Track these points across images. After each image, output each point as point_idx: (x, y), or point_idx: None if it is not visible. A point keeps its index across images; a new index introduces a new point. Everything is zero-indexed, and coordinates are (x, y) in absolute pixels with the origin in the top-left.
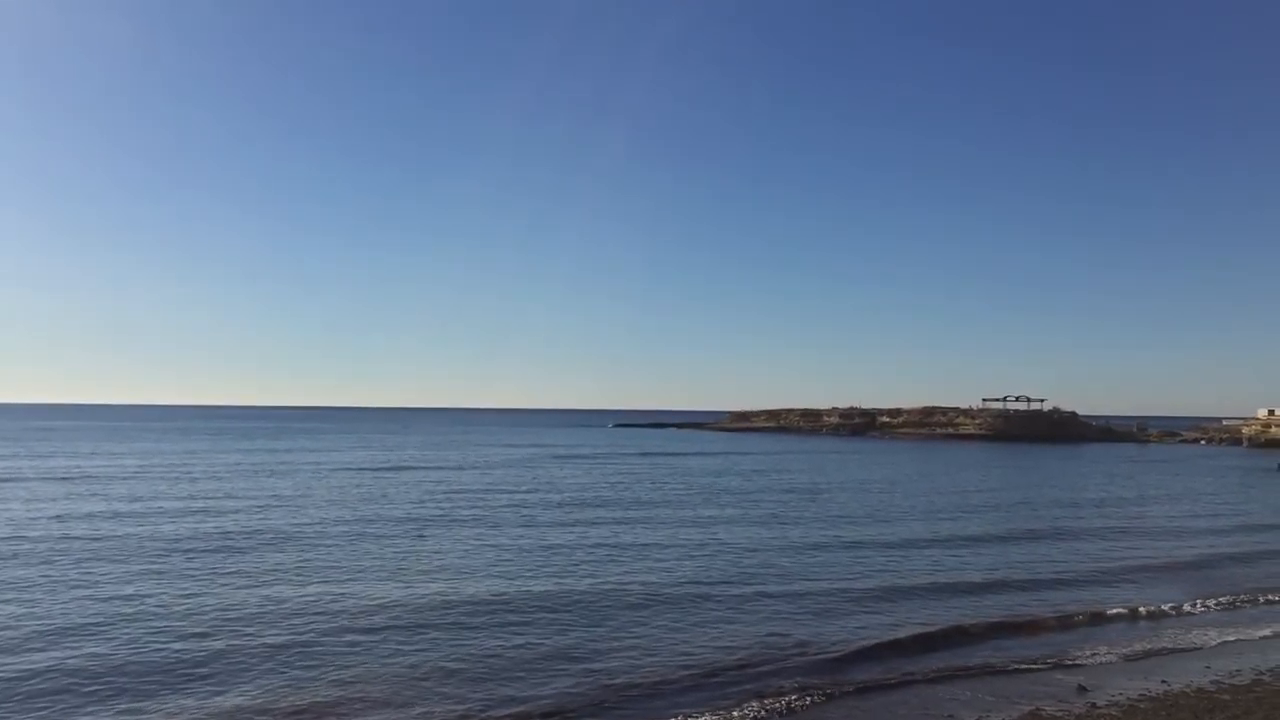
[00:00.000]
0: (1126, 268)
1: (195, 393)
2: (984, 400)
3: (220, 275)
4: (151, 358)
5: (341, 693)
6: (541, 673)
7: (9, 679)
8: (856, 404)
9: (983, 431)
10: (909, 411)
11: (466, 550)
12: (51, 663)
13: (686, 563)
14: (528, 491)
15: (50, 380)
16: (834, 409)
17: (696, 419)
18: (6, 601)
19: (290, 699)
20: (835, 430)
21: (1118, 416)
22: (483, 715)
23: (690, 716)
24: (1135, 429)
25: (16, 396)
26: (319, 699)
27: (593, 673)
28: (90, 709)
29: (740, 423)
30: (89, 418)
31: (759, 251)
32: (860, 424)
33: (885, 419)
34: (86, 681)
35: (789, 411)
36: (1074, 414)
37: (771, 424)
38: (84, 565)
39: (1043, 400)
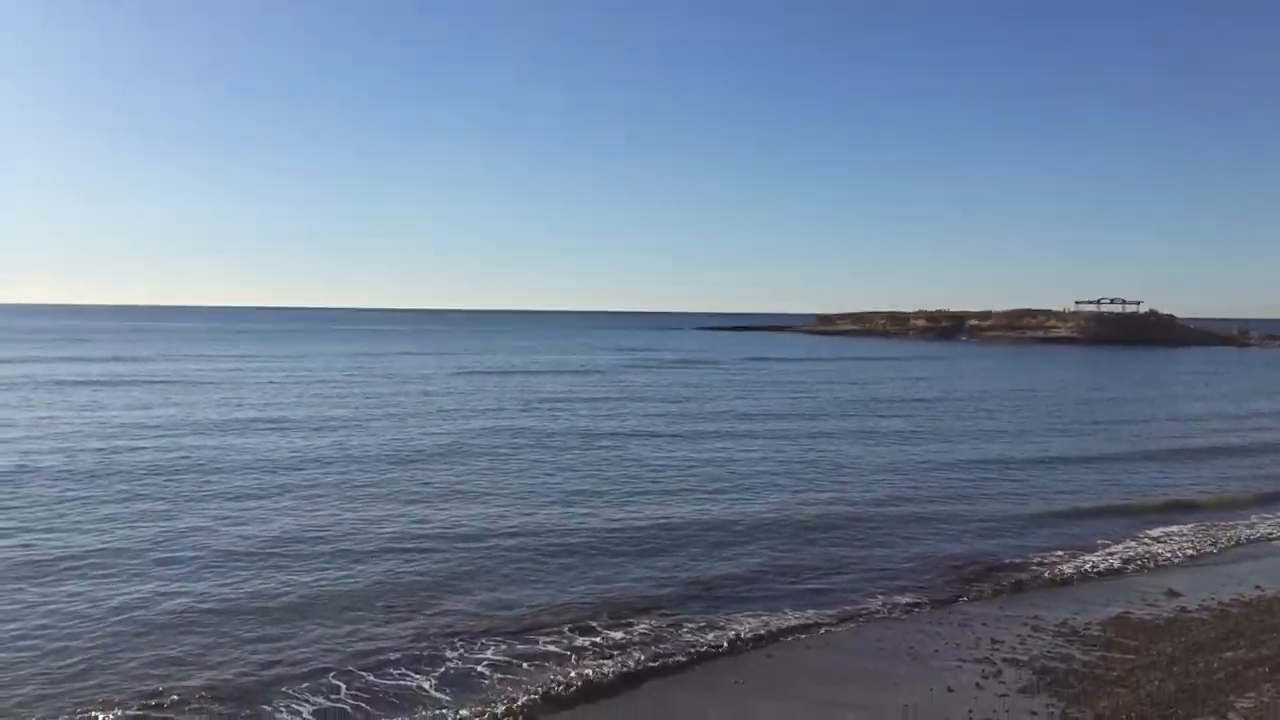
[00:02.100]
0: (1226, 166)
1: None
2: (1077, 303)
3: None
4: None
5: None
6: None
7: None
8: (944, 307)
9: (1075, 335)
10: (998, 314)
11: (652, 466)
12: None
13: (858, 482)
14: (663, 401)
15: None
16: (920, 312)
17: (774, 322)
18: (171, 515)
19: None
20: (922, 334)
21: (1217, 319)
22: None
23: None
24: (1236, 332)
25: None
26: (477, 600)
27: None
28: (316, 623)
29: (824, 326)
30: (151, 319)
31: (841, 153)
32: (948, 327)
33: (974, 322)
34: (313, 603)
35: (874, 315)
36: (1171, 317)
37: (856, 328)
38: (274, 476)
39: (1138, 303)
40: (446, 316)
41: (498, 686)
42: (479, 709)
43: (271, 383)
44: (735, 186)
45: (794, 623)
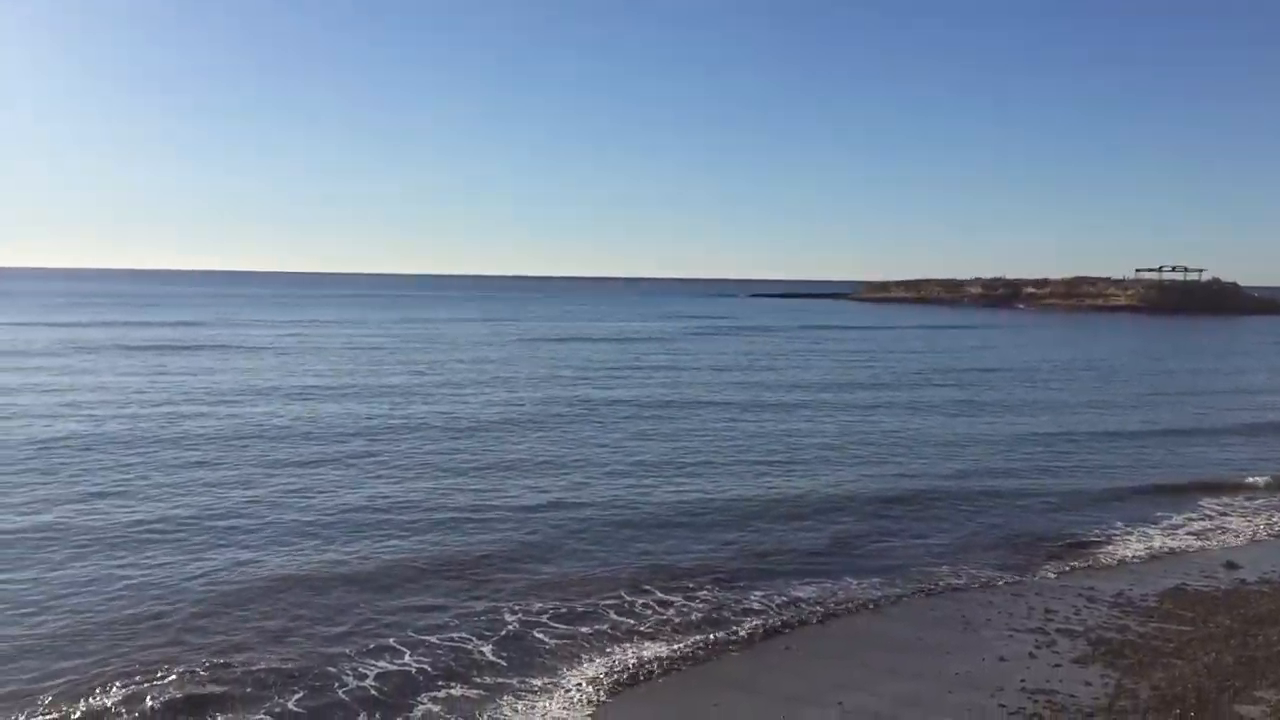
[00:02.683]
0: None
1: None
2: (1137, 271)
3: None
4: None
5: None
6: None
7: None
8: (1001, 274)
9: (1135, 303)
10: (1055, 282)
11: (713, 437)
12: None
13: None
14: (721, 370)
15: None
16: (976, 279)
17: (823, 290)
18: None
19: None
20: (976, 302)
21: None
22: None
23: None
24: None
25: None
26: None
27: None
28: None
29: (877, 293)
30: (228, 285)
31: (895, 118)
32: (1003, 295)
33: (1031, 290)
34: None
35: (928, 282)
36: (1235, 285)
37: (910, 295)
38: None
39: (1201, 270)
40: (493, 283)
41: (558, 655)
42: (540, 678)
43: (333, 349)
44: (788, 153)
45: (852, 594)
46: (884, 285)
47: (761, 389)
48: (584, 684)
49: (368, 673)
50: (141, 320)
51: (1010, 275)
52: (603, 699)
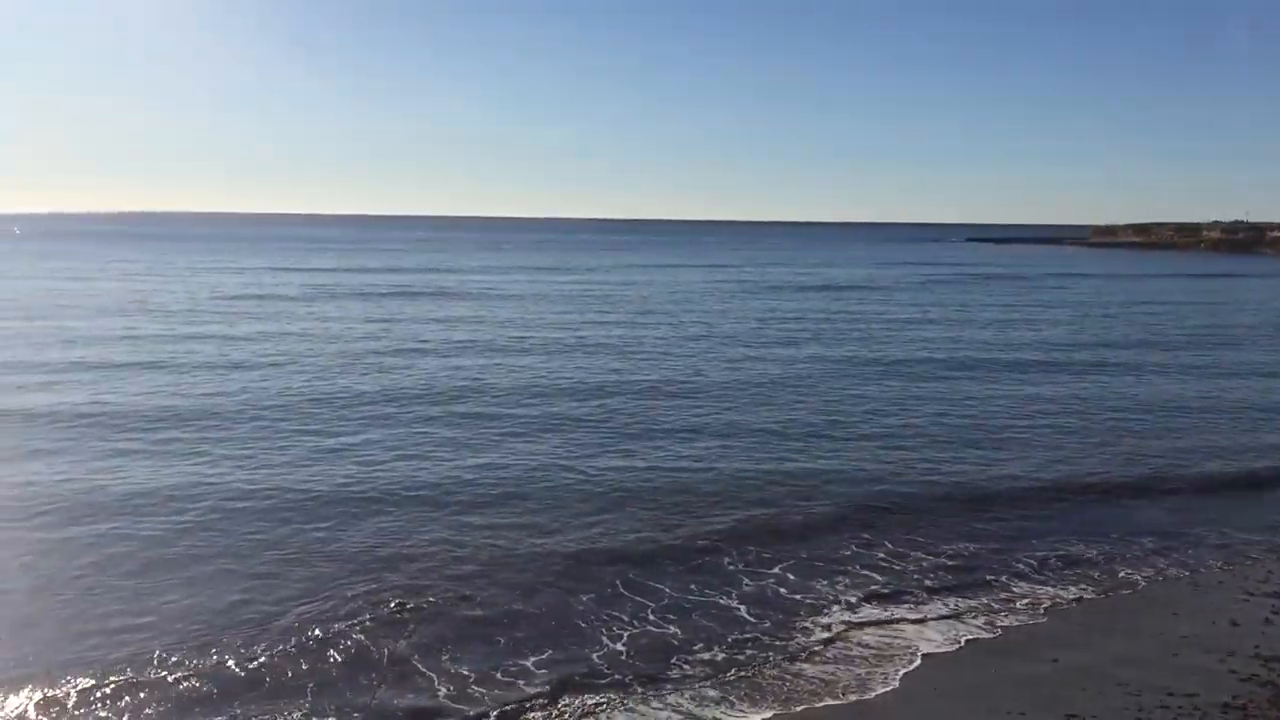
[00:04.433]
0: None
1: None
2: None
3: None
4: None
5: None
6: None
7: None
8: (1243, 216)
9: None
10: None
11: (975, 407)
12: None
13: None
14: (1006, 324)
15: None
16: (1214, 223)
17: (1042, 234)
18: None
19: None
20: (1214, 247)
21: None
22: None
23: None
24: None
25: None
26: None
27: None
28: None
29: (1104, 238)
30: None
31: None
32: (1244, 240)
33: (1277, 234)
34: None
35: (1160, 226)
36: None
37: (1139, 240)
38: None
39: None
40: (665, 227)
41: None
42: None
43: (560, 296)
44: (1011, 89)
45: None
46: (1110, 229)
47: (1046, 347)
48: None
49: (621, 634)
50: (387, 266)
51: (1253, 218)
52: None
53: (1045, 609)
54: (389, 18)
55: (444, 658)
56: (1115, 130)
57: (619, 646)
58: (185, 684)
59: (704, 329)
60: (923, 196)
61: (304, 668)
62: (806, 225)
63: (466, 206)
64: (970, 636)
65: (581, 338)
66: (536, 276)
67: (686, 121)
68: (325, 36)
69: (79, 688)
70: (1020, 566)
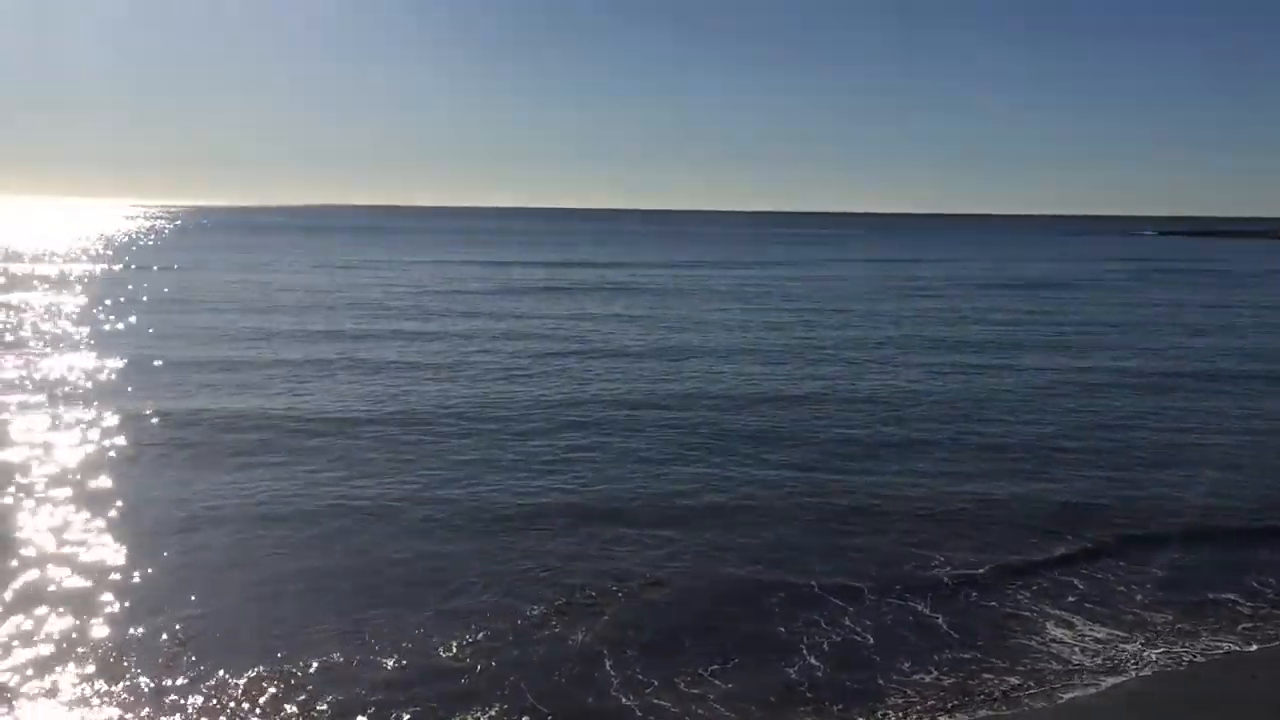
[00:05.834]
0: None
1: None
2: None
3: None
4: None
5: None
6: None
7: None
8: None
9: None
10: None
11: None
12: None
13: None
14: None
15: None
16: None
17: (1233, 226)
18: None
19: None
20: None
21: None
22: None
23: None
24: None
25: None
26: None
27: None
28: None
29: None
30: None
31: None
32: None
33: None
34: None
35: None
36: None
37: None
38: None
39: None
40: (830, 220)
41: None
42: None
43: (723, 290)
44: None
45: None
46: None
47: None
48: None
49: (822, 642)
50: (558, 260)
51: None
52: None
53: None
54: (573, 19)
55: (632, 670)
56: None
57: (813, 660)
58: (384, 674)
59: (943, 334)
60: (1103, 193)
61: (493, 664)
62: (981, 218)
63: (622, 200)
64: (1201, 658)
65: (806, 340)
66: (724, 272)
67: (884, 123)
68: (499, 37)
69: (285, 688)
70: None
